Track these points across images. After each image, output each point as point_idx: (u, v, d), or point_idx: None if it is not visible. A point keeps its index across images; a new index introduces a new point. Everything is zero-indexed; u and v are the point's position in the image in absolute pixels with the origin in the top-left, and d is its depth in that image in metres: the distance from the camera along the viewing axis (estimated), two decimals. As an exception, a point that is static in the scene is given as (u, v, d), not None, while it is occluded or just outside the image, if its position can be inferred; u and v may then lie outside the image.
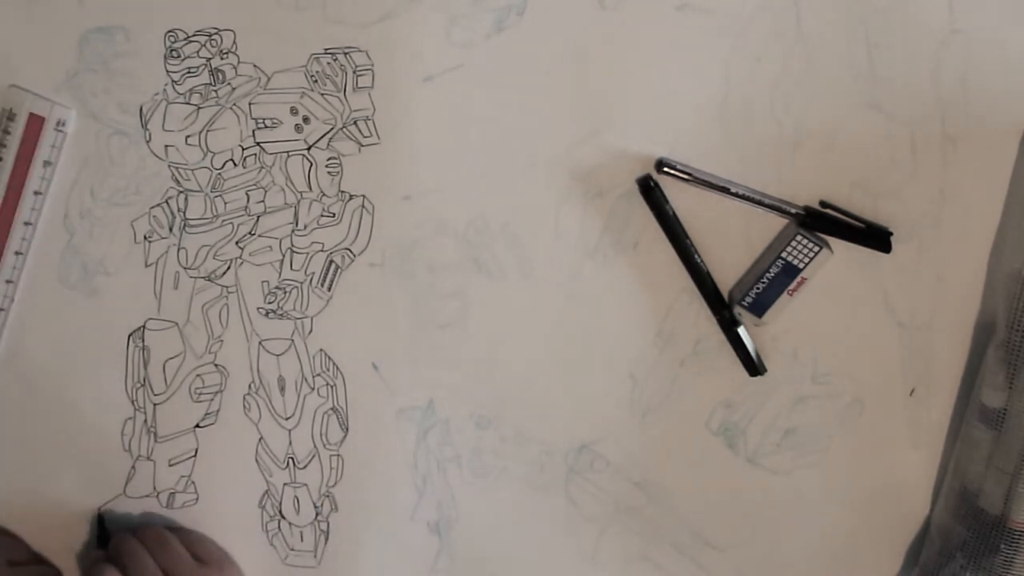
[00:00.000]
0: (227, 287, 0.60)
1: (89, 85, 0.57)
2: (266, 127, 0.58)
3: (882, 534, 0.61)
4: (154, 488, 0.62)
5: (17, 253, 0.59)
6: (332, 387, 0.61)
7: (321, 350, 0.60)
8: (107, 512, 0.62)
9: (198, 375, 0.61)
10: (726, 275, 0.58)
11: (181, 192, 0.59)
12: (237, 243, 0.59)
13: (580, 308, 0.59)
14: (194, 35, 0.57)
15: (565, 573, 0.63)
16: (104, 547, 0.61)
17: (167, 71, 0.57)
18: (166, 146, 0.58)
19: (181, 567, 0.58)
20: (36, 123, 0.57)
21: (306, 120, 0.57)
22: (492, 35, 0.56)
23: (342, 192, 0.58)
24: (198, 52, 0.57)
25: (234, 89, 0.57)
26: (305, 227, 0.59)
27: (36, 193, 0.58)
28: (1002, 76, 0.55)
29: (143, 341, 0.60)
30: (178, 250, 0.59)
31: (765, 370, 0.59)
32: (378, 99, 0.57)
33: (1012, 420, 0.54)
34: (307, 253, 0.59)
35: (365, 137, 0.58)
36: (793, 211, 0.56)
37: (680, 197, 0.57)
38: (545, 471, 0.61)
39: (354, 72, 0.57)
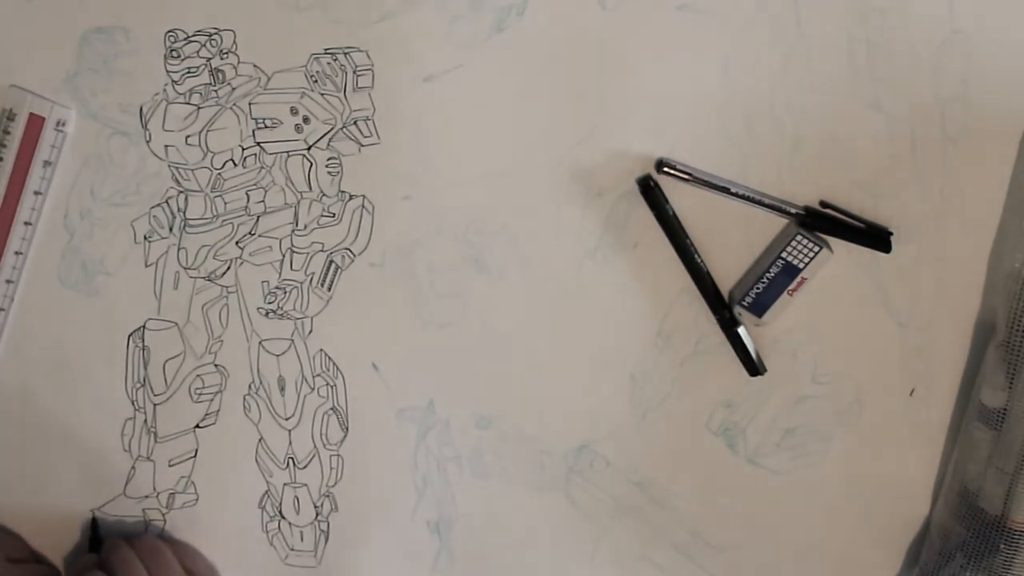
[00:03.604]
0: (227, 287, 0.60)
1: (89, 85, 0.57)
2: (266, 127, 0.58)
3: (882, 534, 0.61)
4: (154, 488, 0.62)
5: (17, 253, 0.59)
6: (332, 387, 0.61)
7: (321, 350, 0.60)
8: (101, 517, 0.62)
9: (198, 375, 0.61)
10: (726, 275, 0.58)
11: (181, 192, 0.59)
12: (237, 243, 0.59)
13: (580, 308, 0.59)
14: (194, 35, 0.57)
15: (565, 573, 0.63)
16: (96, 552, 0.60)
17: (167, 71, 0.57)
18: (166, 146, 0.58)
19: None
20: (36, 123, 0.57)
21: (306, 120, 0.57)
22: (492, 35, 0.56)
23: (342, 192, 0.58)
24: (198, 52, 0.57)
25: (234, 89, 0.57)
26: (305, 227, 0.59)
27: (36, 193, 0.58)
28: (1002, 76, 0.55)
29: (143, 341, 0.60)
30: (178, 250, 0.59)
31: (765, 370, 0.59)
32: (378, 99, 0.57)
33: (1012, 420, 0.54)
34: (307, 253, 0.59)
35: (365, 137, 0.58)
36: (793, 211, 0.56)
37: (680, 197, 0.57)
38: (545, 471, 0.61)
39: (354, 72, 0.57)
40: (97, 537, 0.62)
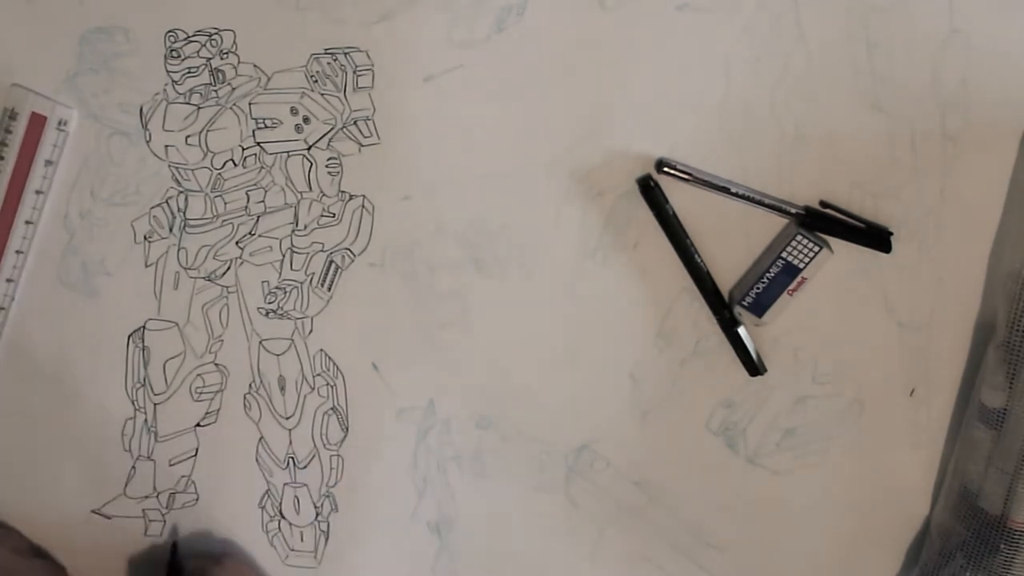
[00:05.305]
0: (227, 287, 0.60)
1: (89, 85, 0.57)
2: (266, 127, 0.58)
3: (882, 534, 0.61)
4: (154, 488, 0.62)
5: (18, 252, 0.59)
6: (332, 387, 0.61)
7: (321, 350, 0.60)
8: (181, 541, 0.62)
9: (198, 375, 0.61)
10: (726, 275, 0.58)
11: (181, 192, 0.59)
12: (237, 243, 0.59)
13: (580, 308, 0.59)
14: (194, 35, 0.57)
15: (565, 573, 0.63)
16: None
17: (167, 71, 0.57)
18: (166, 146, 0.58)
19: None
20: (38, 122, 0.57)
21: (306, 120, 0.57)
22: (492, 35, 0.56)
23: (342, 192, 0.58)
24: (198, 52, 0.57)
25: (234, 89, 0.57)
26: (305, 227, 0.59)
27: (37, 192, 0.58)
28: (1002, 76, 0.55)
29: (143, 341, 0.60)
30: (178, 250, 0.59)
31: (765, 370, 0.59)
32: (378, 99, 0.57)
33: (1012, 420, 0.54)
34: (307, 253, 0.59)
35: (365, 137, 0.58)
36: (793, 211, 0.56)
37: (680, 197, 0.57)
38: (545, 471, 0.61)
39: (354, 72, 0.57)
40: (177, 564, 0.61)
